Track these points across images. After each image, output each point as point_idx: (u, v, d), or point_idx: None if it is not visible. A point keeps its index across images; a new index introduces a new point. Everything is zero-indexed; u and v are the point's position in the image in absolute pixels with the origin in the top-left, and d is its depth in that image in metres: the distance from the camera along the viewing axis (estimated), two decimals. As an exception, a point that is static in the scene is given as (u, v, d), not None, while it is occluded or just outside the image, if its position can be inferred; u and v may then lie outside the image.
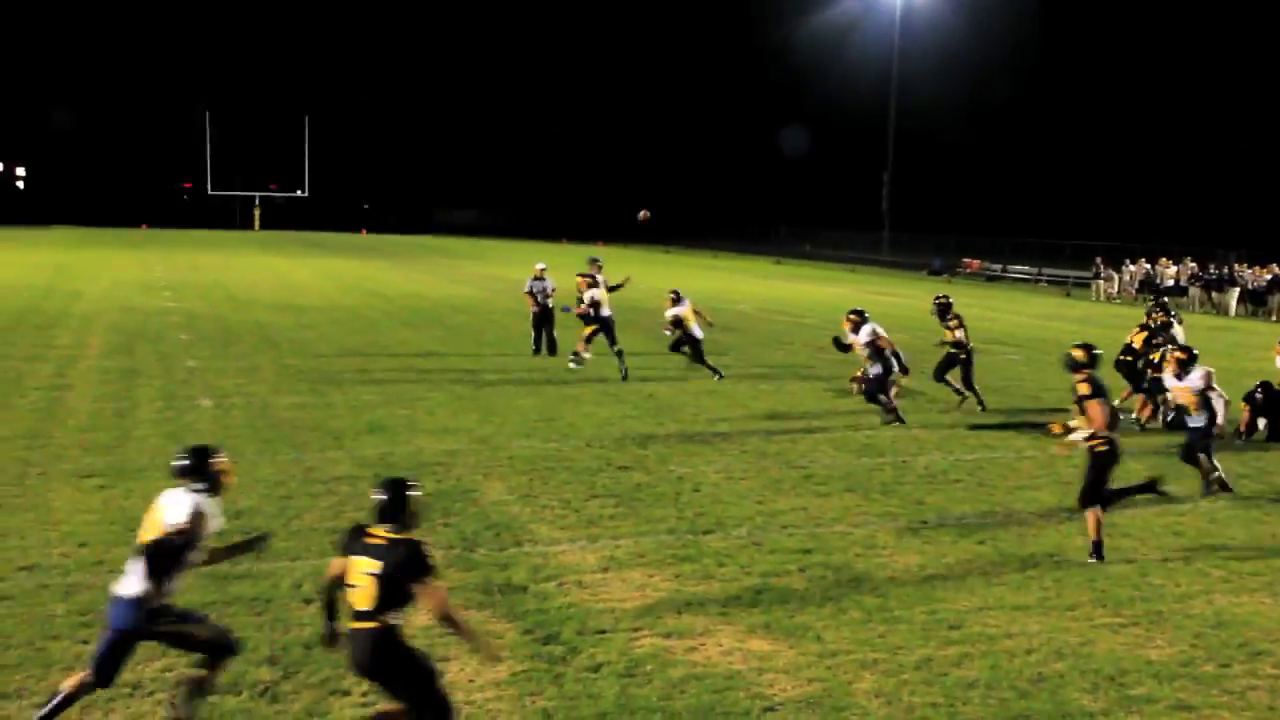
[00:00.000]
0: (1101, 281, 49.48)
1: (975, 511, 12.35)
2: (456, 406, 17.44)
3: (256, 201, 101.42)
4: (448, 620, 6.21)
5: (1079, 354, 10.99)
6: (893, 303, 42.17)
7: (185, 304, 31.93)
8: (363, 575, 6.12)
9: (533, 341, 24.11)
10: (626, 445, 15.03)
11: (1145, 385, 17.84)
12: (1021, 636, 8.69)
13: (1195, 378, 13.32)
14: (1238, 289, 43.62)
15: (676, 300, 21.00)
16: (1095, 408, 10.52)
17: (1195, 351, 13.97)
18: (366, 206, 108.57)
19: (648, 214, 15.87)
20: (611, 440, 15.33)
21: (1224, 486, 13.36)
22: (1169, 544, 11.31)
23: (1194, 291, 45.16)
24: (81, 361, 20.86)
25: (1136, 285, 47.84)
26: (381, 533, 6.22)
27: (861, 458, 14.86)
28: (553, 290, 24.25)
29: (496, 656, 6.90)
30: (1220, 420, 13.40)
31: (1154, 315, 19.54)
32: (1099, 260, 50.59)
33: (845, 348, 18.45)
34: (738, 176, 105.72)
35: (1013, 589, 9.78)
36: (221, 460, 6.90)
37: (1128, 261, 49.90)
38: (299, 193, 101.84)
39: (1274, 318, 41.31)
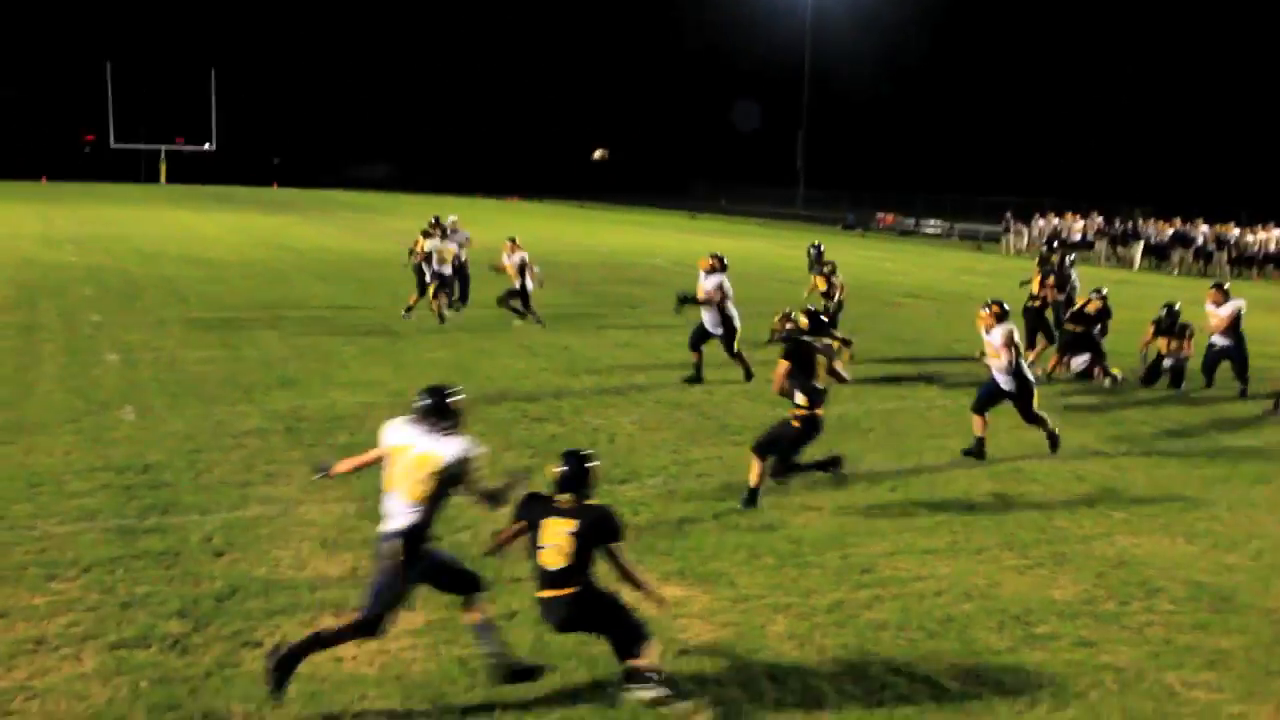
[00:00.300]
0: (1011, 236, 50.33)
1: (886, 460, 12.53)
2: (370, 360, 17.26)
3: (162, 155, 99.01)
4: (629, 578, 6.41)
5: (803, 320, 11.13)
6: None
7: (89, 258, 31.17)
8: (559, 535, 6.34)
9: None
10: (541, 397, 15.00)
11: (1058, 334, 18.15)
12: (931, 579, 8.85)
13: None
14: (1142, 243, 44.59)
15: (514, 248, 21.27)
16: (781, 369, 10.57)
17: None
18: (276, 160, 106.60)
19: (605, 152, 15.99)
20: (526, 392, 15.30)
21: None
22: (1073, 489, 11.58)
23: (1100, 245, 46.09)
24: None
25: (1045, 239, 48.70)
26: (567, 500, 6.46)
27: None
28: (468, 242, 24.08)
29: (667, 604, 7.09)
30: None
31: (1050, 258, 20.14)
32: (1008, 215, 51.43)
33: (691, 300, 17.05)
34: (653, 132, 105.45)
35: (923, 534, 9.95)
36: (460, 398, 6.77)
37: (1037, 216, 50.75)
38: (206, 146, 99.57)
39: (1175, 271, 42.34)
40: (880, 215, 65.68)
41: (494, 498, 6.63)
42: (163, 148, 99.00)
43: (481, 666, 7.02)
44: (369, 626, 6.48)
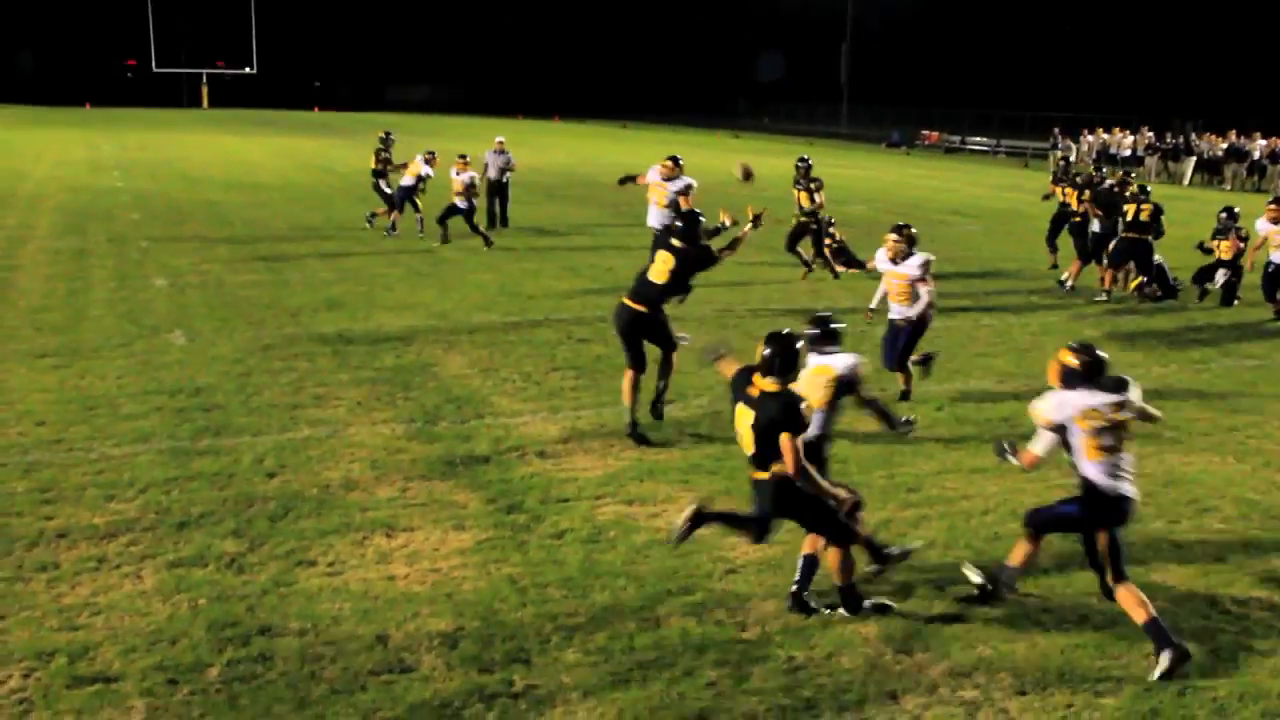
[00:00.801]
0: (1058, 152, 49.49)
1: (933, 379, 12.46)
2: (414, 282, 17.32)
3: (204, 79, 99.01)
4: (803, 474, 6.38)
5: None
6: (852, 175, 42.03)
7: (134, 184, 31.34)
8: (744, 425, 6.51)
9: (485, 215, 23.92)
10: (586, 318, 15.02)
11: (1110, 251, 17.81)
12: (978, 498, 8.85)
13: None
14: (1193, 158, 43.77)
15: (465, 166, 20.90)
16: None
17: None
18: (318, 84, 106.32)
19: (747, 168, 16.15)
20: (570, 313, 15.32)
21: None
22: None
23: (1150, 161, 45.29)
24: (30, 243, 20.49)
25: (1093, 156, 47.88)
26: (763, 384, 6.47)
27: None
28: (513, 165, 24.01)
29: (858, 500, 6.99)
30: None
31: (1097, 179, 19.83)
32: (1056, 131, 50.57)
33: (632, 179, 18.11)
34: (696, 50, 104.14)
35: (970, 453, 9.93)
36: (841, 325, 7.68)
37: (1085, 132, 49.88)
38: (247, 70, 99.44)
39: (1229, 187, 41.56)
40: (925, 133, 64.79)
41: (884, 415, 7.53)
42: (204, 72, 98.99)
43: (531, 584, 7.11)
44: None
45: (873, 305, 11.92)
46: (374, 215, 23.03)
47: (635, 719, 5.62)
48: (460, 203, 20.56)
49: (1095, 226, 18.01)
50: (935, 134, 63.98)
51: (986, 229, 26.34)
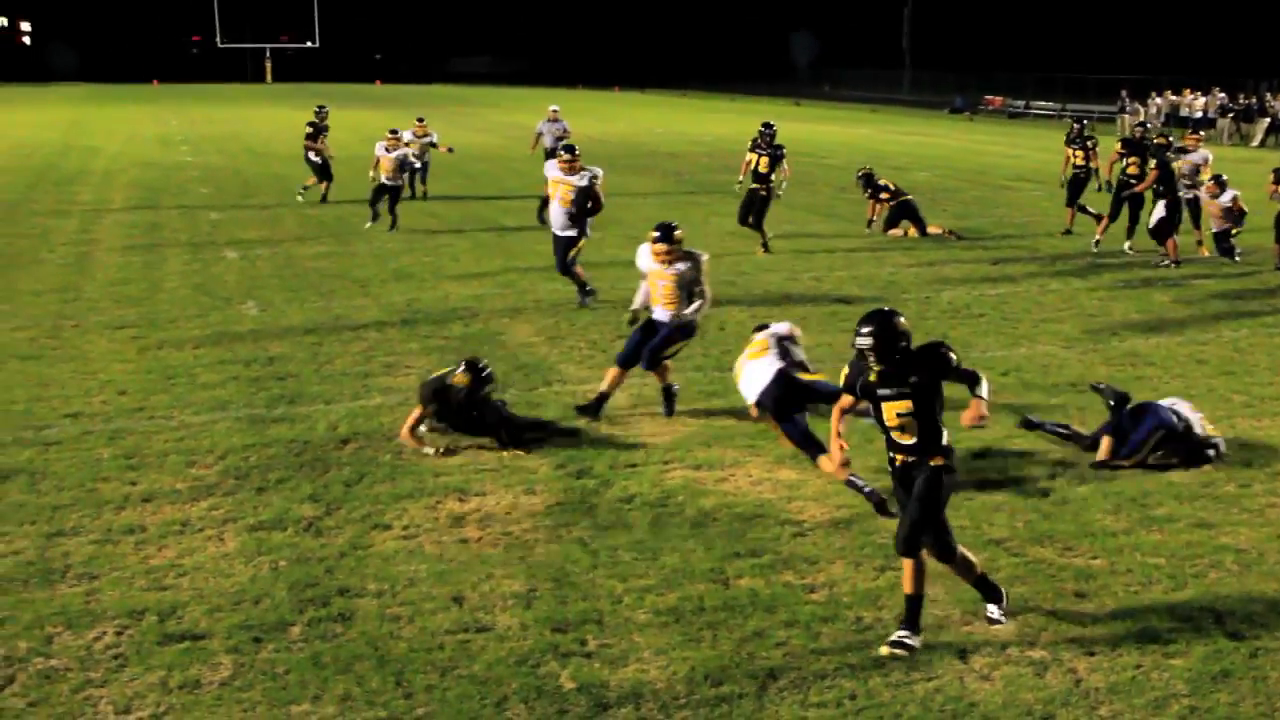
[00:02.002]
0: (1127, 116, 48.64)
1: (999, 344, 12.43)
2: (480, 252, 17.49)
3: (267, 54, 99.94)
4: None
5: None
6: (915, 141, 41.72)
7: (203, 158, 31.82)
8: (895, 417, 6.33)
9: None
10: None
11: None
12: (1046, 462, 8.84)
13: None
14: (1267, 120, 42.89)
15: (397, 143, 20.12)
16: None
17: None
18: (379, 57, 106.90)
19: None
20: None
21: None
22: (1191, 372, 11.40)
23: (1222, 123, 44.46)
24: (106, 217, 20.92)
25: (1162, 118, 47.05)
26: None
27: (886, 294, 14.90)
28: (568, 133, 24.11)
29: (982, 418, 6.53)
30: None
31: (1134, 131, 19.57)
32: (1124, 93, 49.70)
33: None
34: (755, 16, 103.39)
35: (1037, 417, 9.90)
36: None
37: (1153, 94, 49.00)
38: (310, 44, 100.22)
39: (1302, 148, 40.69)
40: (988, 98, 63.97)
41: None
42: (268, 46, 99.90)
43: (602, 547, 7.24)
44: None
45: (635, 305, 10.49)
46: (305, 187, 23.26)
47: (706, 677, 5.72)
48: (389, 181, 19.50)
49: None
50: (999, 99, 63.15)
51: (1051, 194, 26.00)
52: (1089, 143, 19.91)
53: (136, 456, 8.74)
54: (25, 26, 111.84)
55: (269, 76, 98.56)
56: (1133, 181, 17.93)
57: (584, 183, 13.46)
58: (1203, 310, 14.19)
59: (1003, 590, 6.40)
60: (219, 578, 6.79)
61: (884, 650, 5.98)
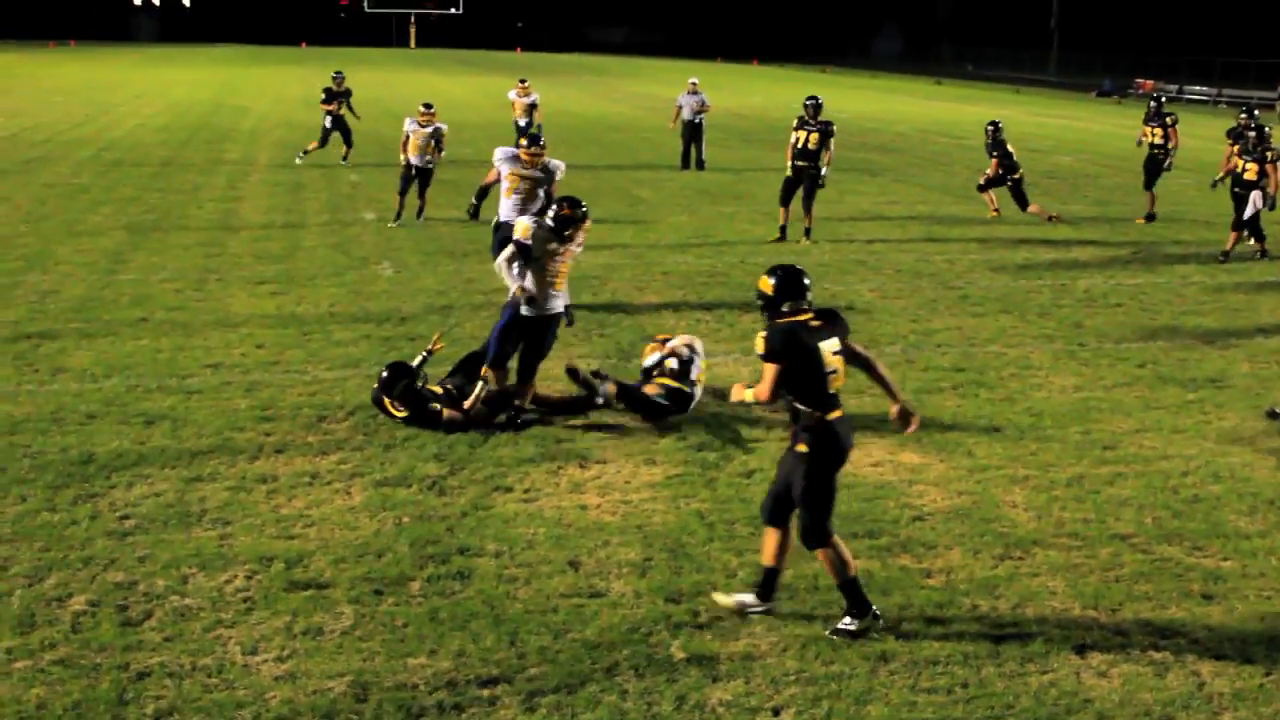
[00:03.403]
0: (1286, 104, 46.68)
1: (1136, 335, 12.11)
2: (612, 223, 17.58)
3: (412, 19, 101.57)
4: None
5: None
6: (1060, 125, 40.69)
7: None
8: (835, 357, 5.92)
9: (680, 157, 24.12)
10: (781, 262, 15.00)
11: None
12: (1179, 459, 8.60)
13: None
14: None
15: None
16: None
17: None
18: (520, 24, 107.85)
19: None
20: (765, 257, 15.34)
21: None
22: (1341, 373, 10.96)
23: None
24: (251, 175, 21.55)
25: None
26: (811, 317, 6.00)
27: (1019, 279, 14.61)
28: (707, 106, 24.08)
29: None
30: None
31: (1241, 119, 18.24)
32: (1285, 80, 47.71)
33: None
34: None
35: (1171, 413, 9.64)
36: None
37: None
38: (453, 10, 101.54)
39: None
40: (1139, 81, 62.00)
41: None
42: (413, 12, 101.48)
43: (719, 520, 7.26)
44: None
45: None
46: (306, 151, 23.33)
47: (818, 655, 5.72)
48: (419, 162, 17.21)
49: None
50: (1150, 82, 61.15)
51: (1199, 183, 25.14)
52: (1168, 119, 19.15)
53: (271, 408, 9.02)
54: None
55: (413, 42, 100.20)
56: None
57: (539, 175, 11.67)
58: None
59: (872, 606, 5.97)
60: (344, 530, 6.98)
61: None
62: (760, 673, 5.57)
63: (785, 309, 5.98)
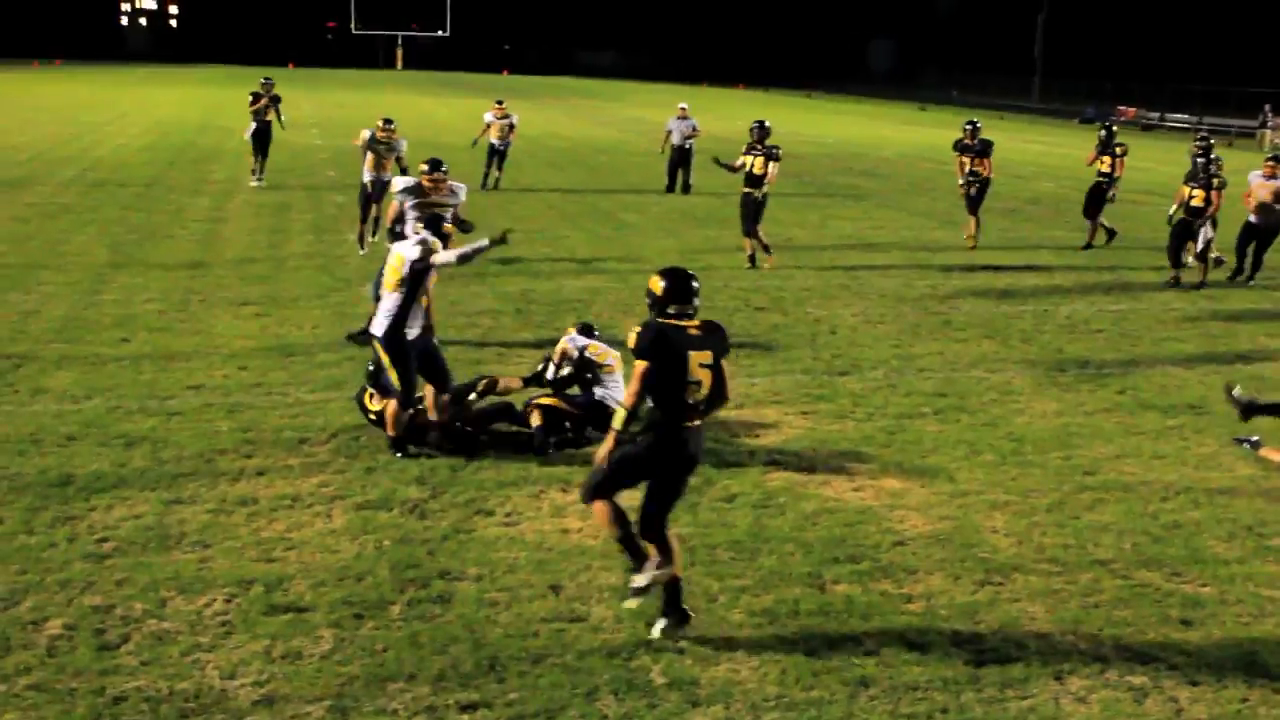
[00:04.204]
0: (1269, 131, 47.11)
1: (1117, 361, 12.17)
2: (597, 245, 17.62)
3: (399, 41, 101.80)
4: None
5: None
6: (1040, 150, 40.94)
7: (332, 141, 32.52)
8: (703, 370, 5.92)
9: (666, 181, 24.25)
10: (764, 287, 15.07)
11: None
12: (1158, 485, 8.64)
13: None
14: None
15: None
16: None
17: None
18: (507, 47, 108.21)
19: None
20: (749, 282, 15.38)
21: None
22: (1320, 399, 11.02)
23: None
24: (236, 196, 21.52)
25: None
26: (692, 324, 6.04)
27: (1001, 305, 14.68)
28: (697, 131, 24.21)
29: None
30: None
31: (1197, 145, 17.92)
32: (1267, 107, 48.13)
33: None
34: (884, 18, 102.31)
35: (1151, 438, 9.69)
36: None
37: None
38: (440, 32, 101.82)
39: None
40: (1121, 108, 62.44)
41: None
42: (400, 34, 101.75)
43: (701, 545, 7.26)
44: None
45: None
46: (255, 173, 23.19)
47: (798, 681, 5.72)
48: (372, 175, 16.14)
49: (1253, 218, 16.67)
50: (1132, 110, 61.61)
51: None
52: (1117, 149, 19.25)
53: (253, 430, 9.00)
54: (173, 10, 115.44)
55: (399, 64, 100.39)
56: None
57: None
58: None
59: (648, 557, 6.10)
60: (325, 553, 6.96)
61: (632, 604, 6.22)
62: (740, 698, 5.56)
63: (671, 311, 6.05)
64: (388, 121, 16.56)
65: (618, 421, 5.93)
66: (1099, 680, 5.86)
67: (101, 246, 16.26)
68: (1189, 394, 11.04)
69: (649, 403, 5.96)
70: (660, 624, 6.15)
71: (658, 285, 6.09)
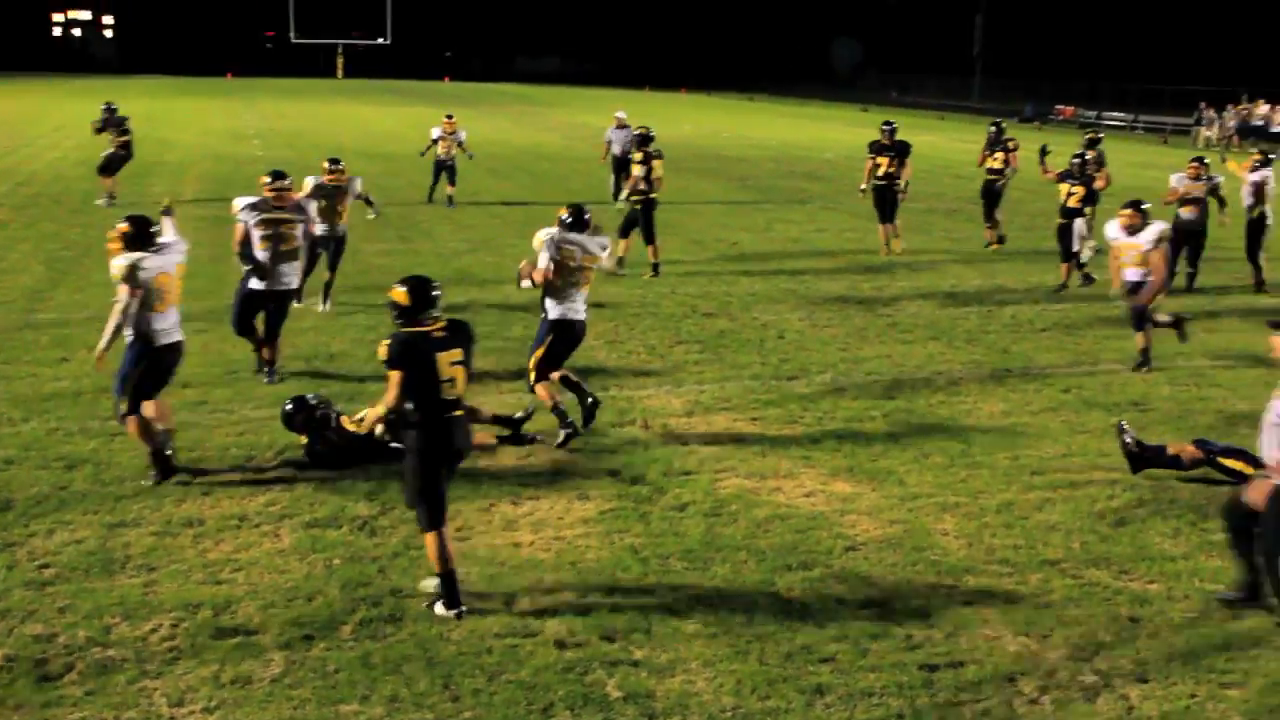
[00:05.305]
0: (1202, 127, 47.83)
1: (1062, 360, 12.30)
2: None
3: (339, 49, 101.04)
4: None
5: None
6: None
7: (273, 153, 32.17)
8: (453, 367, 6.45)
9: (612, 188, 24.16)
10: (712, 292, 15.09)
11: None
12: (1104, 483, 8.73)
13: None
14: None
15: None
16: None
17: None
18: (448, 54, 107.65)
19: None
20: (695, 288, 15.40)
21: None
22: (1260, 395, 11.18)
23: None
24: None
25: (1233, 130, 46.13)
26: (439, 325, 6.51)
27: (947, 306, 14.79)
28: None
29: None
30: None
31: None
32: (1202, 104, 48.84)
33: None
34: (824, 20, 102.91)
35: (1097, 437, 9.79)
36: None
37: (1230, 106, 48.13)
38: (381, 40, 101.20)
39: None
40: (1059, 107, 63.22)
41: None
42: (340, 42, 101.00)
43: (653, 555, 7.24)
44: None
45: None
46: (109, 195, 22.12)
47: (753, 691, 5.71)
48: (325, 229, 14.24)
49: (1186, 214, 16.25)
50: (1070, 108, 62.39)
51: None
52: (1009, 143, 19.38)
53: (198, 450, 8.87)
54: (108, 20, 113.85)
55: (340, 72, 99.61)
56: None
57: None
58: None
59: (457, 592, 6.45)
60: (273, 574, 6.87)
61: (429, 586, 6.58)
62: (697, 709, 5.55)
63: (421, 318, 6.42)
64: (334, 162, 14.53)
65: (380, 428, 6.78)
66: (1050, 681, 5.90)
67: (37, 263, 16.00)
68: (1132, 391, 11.18)
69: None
70: (430, 581, 6.57)
71: (402, 296, 6.48)
